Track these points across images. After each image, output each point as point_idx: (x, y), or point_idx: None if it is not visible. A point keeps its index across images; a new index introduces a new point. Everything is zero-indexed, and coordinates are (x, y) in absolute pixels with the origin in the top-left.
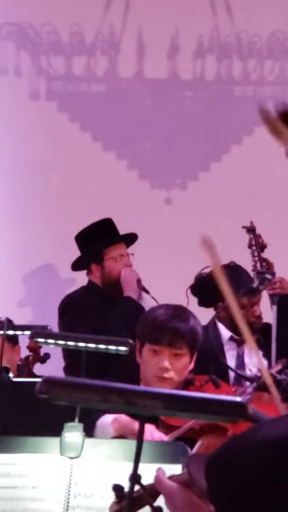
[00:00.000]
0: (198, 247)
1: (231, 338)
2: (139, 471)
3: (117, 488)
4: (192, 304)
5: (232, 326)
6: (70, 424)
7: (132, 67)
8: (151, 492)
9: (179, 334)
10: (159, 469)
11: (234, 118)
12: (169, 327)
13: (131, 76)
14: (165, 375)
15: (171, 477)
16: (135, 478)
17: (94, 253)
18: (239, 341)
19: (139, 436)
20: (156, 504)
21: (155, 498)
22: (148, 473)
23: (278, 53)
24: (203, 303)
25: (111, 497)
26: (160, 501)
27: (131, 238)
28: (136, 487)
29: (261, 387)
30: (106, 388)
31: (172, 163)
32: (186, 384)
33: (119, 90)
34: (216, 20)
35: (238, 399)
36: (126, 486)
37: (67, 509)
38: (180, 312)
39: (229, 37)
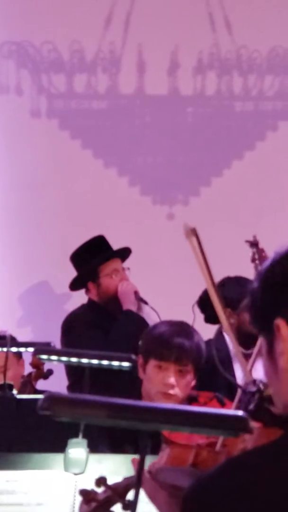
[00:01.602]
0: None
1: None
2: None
3: (85, 492)
4: (197, 320)
5: (239, 337)
6: (74, 440)
7: (133, 84)
8: (118, 492)
9: (185, 351)
10: (134, 460)
11: (235, 133)
12: (175, 343)
13: (131, 93)
14: (170, 391)
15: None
16: (101, 480)
17: (89, 272)
18: (246, 356)
19: (141, 453)
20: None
21: (123, 496)
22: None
23: (278, 68)
24: (210, 318)
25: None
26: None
27: (124, 253)
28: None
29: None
30: (108, 404)
31: (174, 179)
32: (190, 400)
33: (120, 107)
34: (216, 36)
35: (240, 412)
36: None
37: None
38: (185, 329)
39: (229, 53)
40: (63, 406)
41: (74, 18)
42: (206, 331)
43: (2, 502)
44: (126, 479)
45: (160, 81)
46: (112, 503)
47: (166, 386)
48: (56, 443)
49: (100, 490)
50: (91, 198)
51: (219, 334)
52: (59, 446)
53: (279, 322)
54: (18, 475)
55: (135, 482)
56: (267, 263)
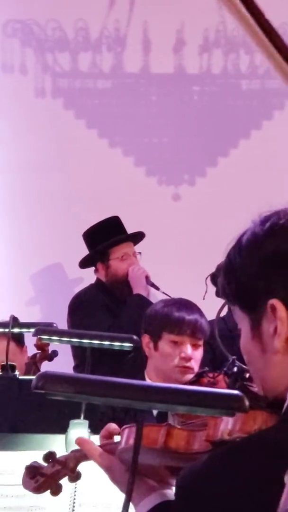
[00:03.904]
0: (207, 243)
1: None
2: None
3: (32, 467)
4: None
5: None
6: (75, 421)
7: (138, 62)
8: (68, 465)
9: (199, 326)
10: (81, 440)
11: (241, 112)
12: (191, 318)
13: (137, 72)
14: (188, 364)
15: (103, 446)
16: (50, 455)
17: (100, 252)
18: None
19: (138, 433)
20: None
21: (73, 469)
22: None
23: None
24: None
25: (116, 493)
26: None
27: (137, 237)
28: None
29: None
30: (102, 382)
31: (180, 159)
32: (199, 375)
33: (125, 85)
34: (222, 13)
35: (236, 392)
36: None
37: (74, 505)
38: (192, 305)
39: (236, 30)
40: (57, 384)
41: None
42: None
43: (3, 482)
44: (73, 452)
45: (165, 59)
46: (61, 477)
47: (184, 359)
48: (57, 424)
49: (47, 465)
50: (96, 179)
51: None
52: (61, 427)
53: (275, 302)
54: (20, 455)
55: (132, 457)
56: (249, 234)
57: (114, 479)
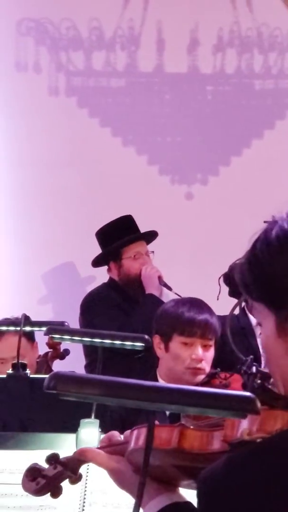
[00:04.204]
0: (219, 242)
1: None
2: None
3: (33, 469)
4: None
5: None
6: (86, 420)
7: (152, 61)
8: (70, 467)
9: (209, 326)
10: (82, 451)
11: (255, 112)
12: (201, 319)
13: (151, 71)
14: (199, 365)
15: (106, 448)
16: (53, 457)
17: (112, 251)
18: None
19: (149, 433)
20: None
21: (75, 471)
22: None
23: None
24: (234, 292)
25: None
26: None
27: (150, 236)
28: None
29: None
30: (113, 383)
31: (193, 158)
32: (211, 376)
33: (139, 84)
34: (237, 13)
35: (247, 393)
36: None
37: (84, 505)
38: (203, 305)
39: (250, 30)
40: (69, 384)
41: None
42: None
43: (13, 481)
44: (75, 453)
45: (179, 59)
46: (62, 479)
47: (195, 360)
48: (68, 423)
49: (49, 466)
50: (109, 177)
51: (243, 312)
52: (71, 426)
53: None
54: (30, 454)
55: (144, 459)
56: (278, 229)
57: (122, 481)
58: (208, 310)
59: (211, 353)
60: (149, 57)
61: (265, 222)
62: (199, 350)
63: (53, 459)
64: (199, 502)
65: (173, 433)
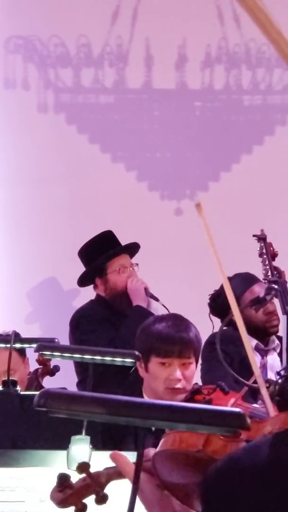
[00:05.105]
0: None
1: (256, 348)
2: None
3: (63, 477)
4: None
5: (255, 332)
6: (77, 437)
7: (140, 78)
8: (99, 481)
9: (186, 344)
10: (115, 454)
11: (243, 128)
12: (176, 338)
13: (139, 87)
14: (178, 385)
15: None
16: (84, 466)
17: (97, 268)
18: (262, 351)
19: (139, 448)
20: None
21: (103, 486)
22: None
23: None
24: (214, 313)
25: (119, 509)
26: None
27: (132, 248)
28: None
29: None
30: (104, 400)
31: (182, 174)
32: (193, 393)
33: (127, 101)
34: (224, 29)
35: (237, 409)
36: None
37: None
38: (181, 322)
39: (238, 46)
40: (59, 402)
41: (81, 12)
42: None
43: (5, 499)
44: (106, 469)
45: (167, 75)
46: (89, 493)
47: (173, 381)
48: (59, 440)
49: (80, 476)
50: (99, 193)
51: (229, 325)
52: (62, 443)
53: None
54: (21, 472)
55: (133, 479)
56: None
57: (143, 495)
58: (187, 326)
59: (191, 371)
60: (138, 74)
61: (254, 236)
62: (177, 371)
63: (83, 467)
64: (202, 503)
65: (200, 439)
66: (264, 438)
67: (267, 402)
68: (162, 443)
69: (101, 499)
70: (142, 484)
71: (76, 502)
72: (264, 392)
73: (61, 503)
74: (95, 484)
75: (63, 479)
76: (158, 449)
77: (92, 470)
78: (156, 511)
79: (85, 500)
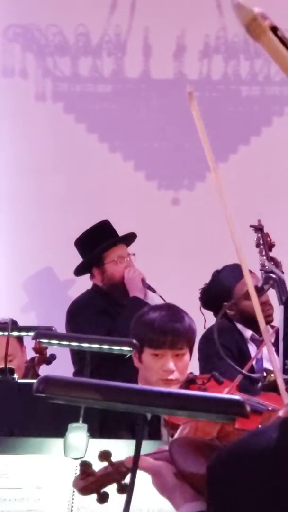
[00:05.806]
0: (205, 247)
1: (251, 339)
2: (110, 448)
3: (85, 465)
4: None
5: (250, 323)
6: (74, 424)
7: (139, 67)
8: (120, 470)
9: (179, 335)
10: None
11: (241, 118)
12: (168, 329)
13: (137, 77)
14: (171, 377)
15: (153, 455)
16: (106, 454)
17: (94, 257)
18: (258, 342)
19: (138, 436)
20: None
21: (123, 475)
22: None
23: None
24: (206, 306)
25: (116, 497)
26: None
27: (129, 238)
28: (104, 464)
29: (269, 387)
30: (102, 386)
31: (179, 164)
32: (188, 383)
33: (125, 90)
34: (223, 20)
35: (237, 397)
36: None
37: (72, 507)
38: (174, 312)
39: (236, 37)
40: (57, 388)
41: (80, 1)
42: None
43: (2, 486)
44: (130, 458)
45: (166, 65)
46: (110, 481)
47: (166, 372)
48: (56, 428)
49: (102, 464)
50: (96, 183)
51: (230, 323)
52: (59, 431)
53: None
54: (18, 459)
55: (132, 466)
56: None
57: (162, 484)
58: (180, 317)
59: (184, 362)
60: (136, 63)
61: (251, 226)
62: (170, 362)
63: (105, 455)
64: (208, 494)
65: (215, 428)
66: (273, 423)
67: (282, 390)
68: (179, 431)
69: (122, 488)
70: (161, 471)
71: (98, 490)
72: (281, 382)
73: (83, 491)
74: (116, 473)
75: (85, 467)
76: (175, 436)
77: (90, 457)
78: (175, 496)
79: (107, 489)
